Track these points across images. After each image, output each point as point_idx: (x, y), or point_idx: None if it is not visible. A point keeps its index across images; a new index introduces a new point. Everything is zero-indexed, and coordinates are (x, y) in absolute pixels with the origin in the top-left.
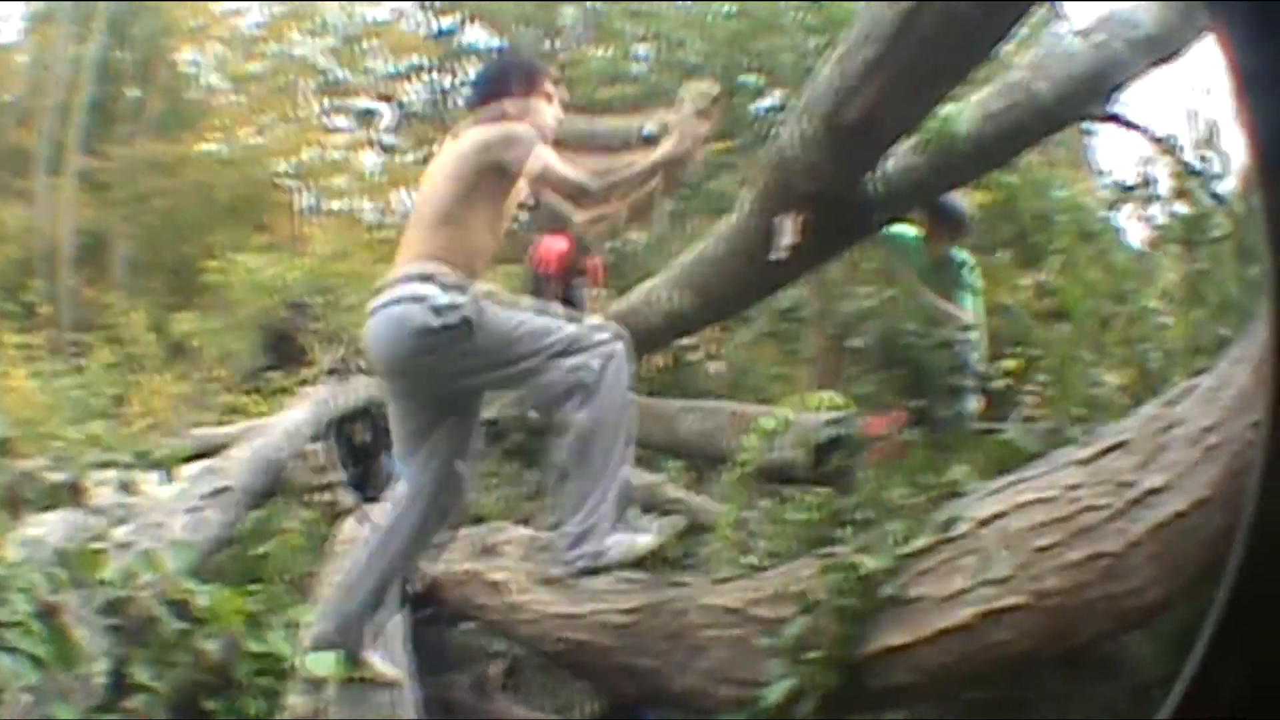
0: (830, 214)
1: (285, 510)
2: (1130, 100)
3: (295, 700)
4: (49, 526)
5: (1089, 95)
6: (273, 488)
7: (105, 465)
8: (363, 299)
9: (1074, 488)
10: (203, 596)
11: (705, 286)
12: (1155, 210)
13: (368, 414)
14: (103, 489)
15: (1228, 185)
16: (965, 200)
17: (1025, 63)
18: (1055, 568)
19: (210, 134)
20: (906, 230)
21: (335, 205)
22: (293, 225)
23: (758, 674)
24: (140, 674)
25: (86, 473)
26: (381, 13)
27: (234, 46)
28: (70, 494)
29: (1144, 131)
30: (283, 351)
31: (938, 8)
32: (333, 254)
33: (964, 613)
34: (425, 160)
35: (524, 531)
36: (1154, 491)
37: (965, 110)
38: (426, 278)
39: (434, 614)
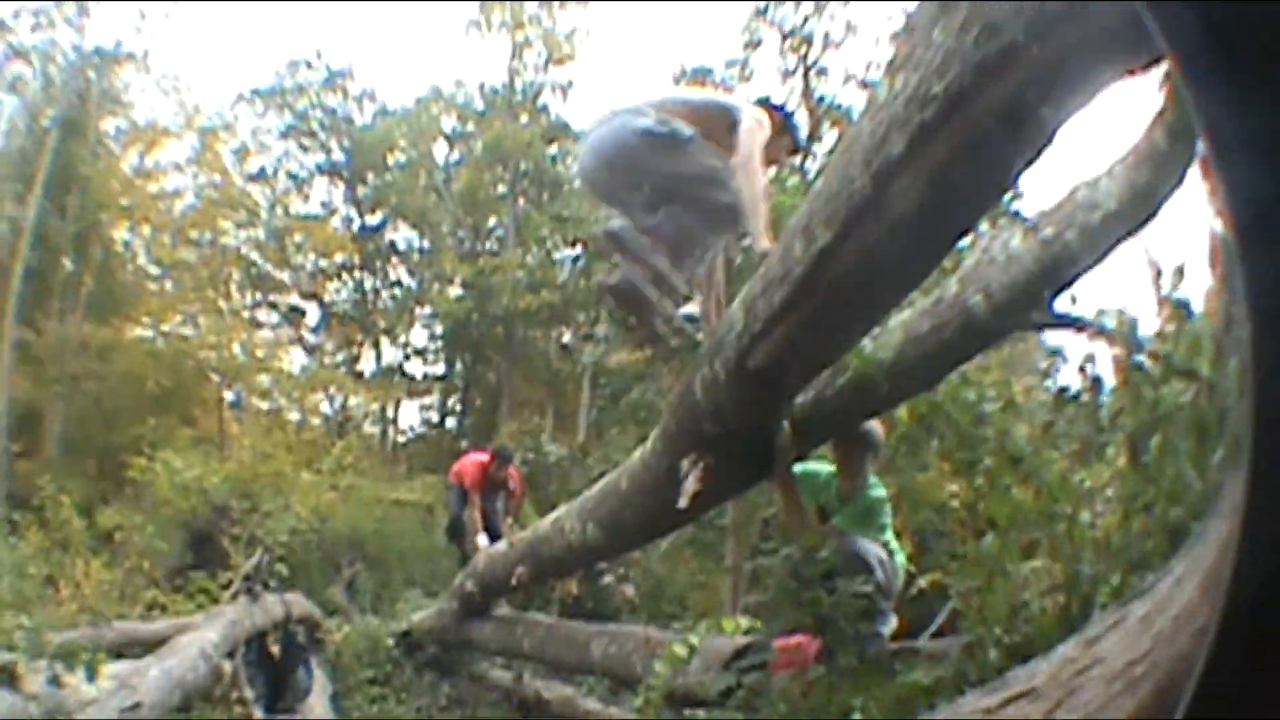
0: (737, 455)
1: None
2: (1077, 293)
3: None
4: None
5: (1031, 301)
6: (186, 704)
7: (35, 654)
8: (284, 504)
9: None
10: None
11: (612, 520)
12: (1097, 412)
13: (282, 630)
14: (35, 676)
15: (1190, 355)
16: (874, 422)
17: (960, 274)
18: None
19: (140, 319)
20: (817, 467)
21: (260, 403)
22: (219, 420)
23: None
24: None
25: (21, 659)
26: (311, 206)
27: (165, 230)
28: (6, 678)
29: (1089, 327)
30: (205, 552)
31: (852, 251)
32: (257, 456)
33: None
34: (351, 362)
35: None
36: None
37: (886, 337)
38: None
39: None
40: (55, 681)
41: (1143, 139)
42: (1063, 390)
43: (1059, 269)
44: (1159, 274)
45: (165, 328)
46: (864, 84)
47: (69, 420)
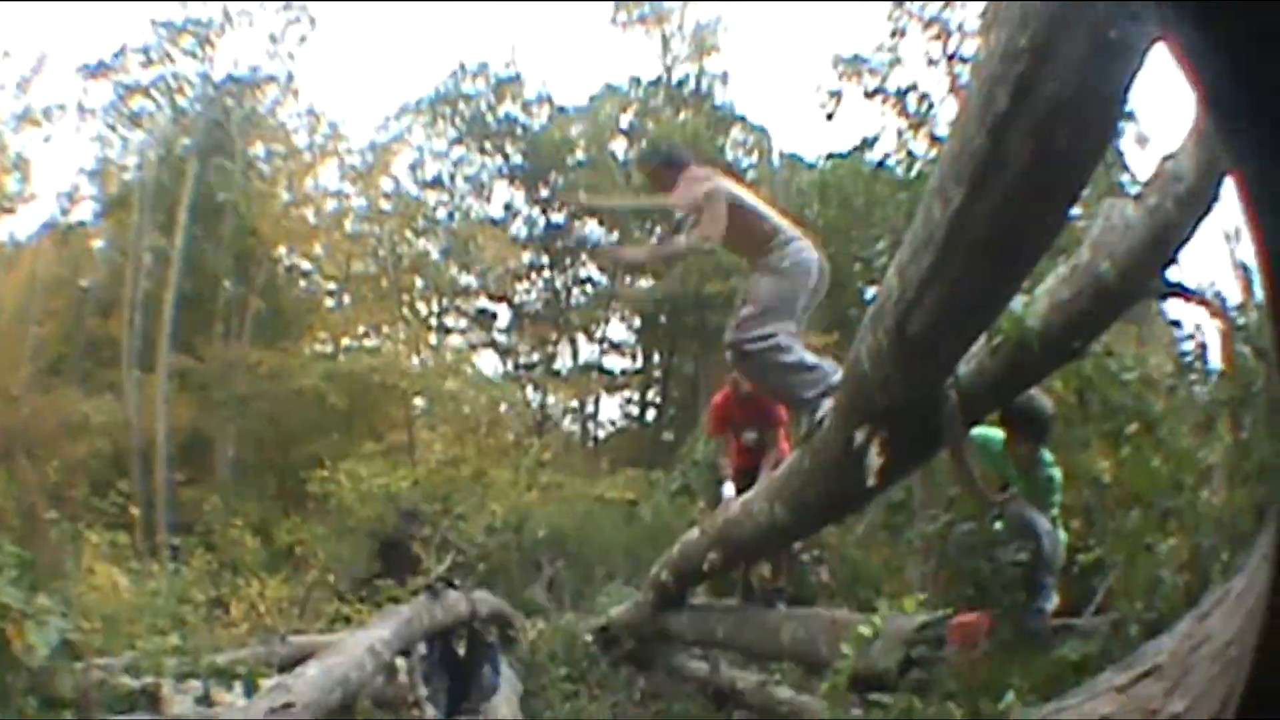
0: (908, 426)
1: None
2: (1184, 264)
3: None
4: None
5: (1148, 269)
6: (347, 705)
7: (188, 675)
8: (480, 505)
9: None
10: None
11: (798, 500)
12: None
13: (468, 628)
14: (182, 698)
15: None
16: (1045, 399)
17: (1087, 242)
18: None
19: (317, 336)
20: (991, 433)
21: (451, 408)
22: (408, 430)
23: None
24: None
25: (167, 681)
26: (494, 210)
27: (338, 248)
28: (148, 701)
29: (1197, 296)
30: (393, 560)
31: (984, 209)
32: (448, 460)
33: None
34: (546, 360)
35: None
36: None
37: (1033, 304)
38: None
39: None
40: (205, 700)
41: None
42: (1183, 358)
43: (1166, 237)
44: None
45: (345, 342)
46: None
47: (242, 443)
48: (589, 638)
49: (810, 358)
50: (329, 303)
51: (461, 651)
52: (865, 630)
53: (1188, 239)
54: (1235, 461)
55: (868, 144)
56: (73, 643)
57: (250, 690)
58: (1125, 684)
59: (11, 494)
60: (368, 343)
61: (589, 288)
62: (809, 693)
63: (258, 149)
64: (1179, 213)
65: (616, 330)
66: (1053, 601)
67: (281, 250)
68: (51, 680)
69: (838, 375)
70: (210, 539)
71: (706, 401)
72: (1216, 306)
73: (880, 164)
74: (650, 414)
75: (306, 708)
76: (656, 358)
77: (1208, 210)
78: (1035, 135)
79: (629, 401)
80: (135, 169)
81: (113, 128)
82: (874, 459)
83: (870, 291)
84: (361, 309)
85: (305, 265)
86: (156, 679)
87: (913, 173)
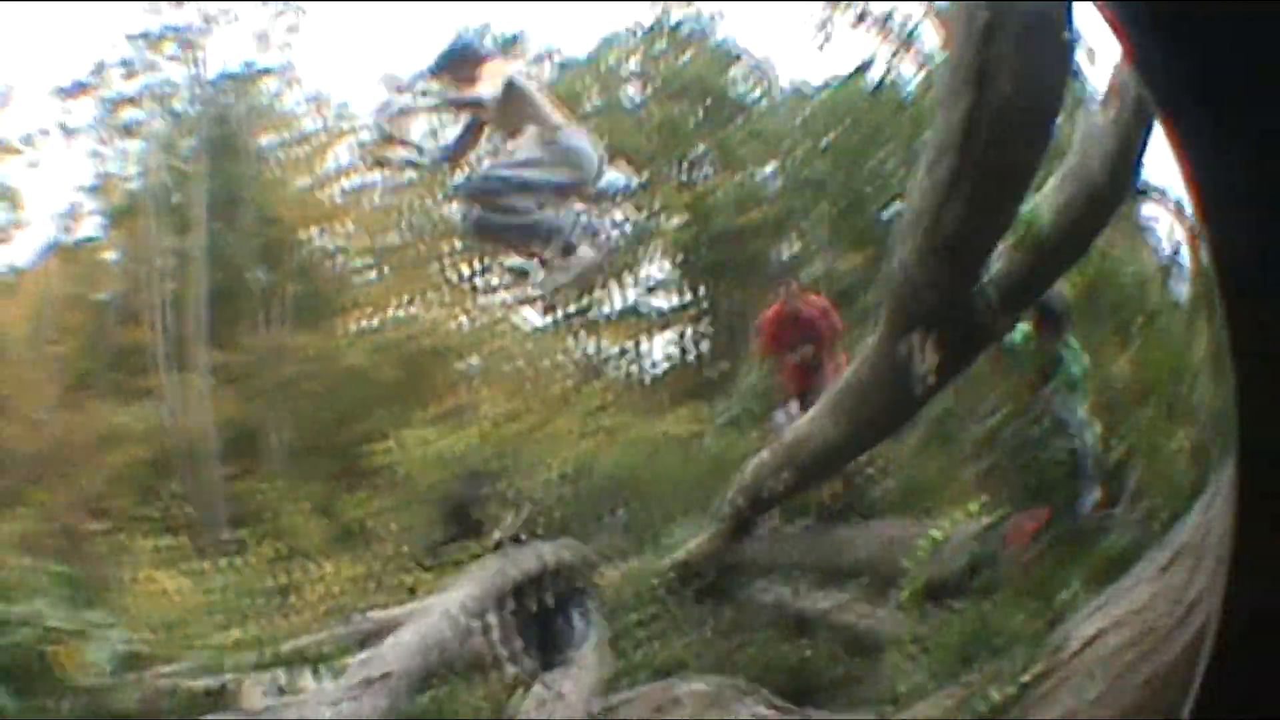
0: (952, 327)
1: (459, 689)
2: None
3: None
4: None
5: (1126, 170)
6: (440, 668)
7: (262, 666)
8: (542, 457)
9: (1147, 606)
10: None
11: (858, 412)
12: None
13: (548, 578)
14: (260, 690)
15: None
16: (1062, 293)
17: (1072, 150)
18: (1132, 686)
19: (359, 312)
20: (1025, 337)
21: (499, 367)
22: (460, 395)
23: None
24: None
25: (240, 677)
26: None
27: (363, 223)
28: (219, 699)
29: (1167, 198)
30: (463, 522)
31: (986, 113)
32: (505, 416)
33: None
34: (584, 311)
35: (707, 680)
36: (1194, 604)
37: (1040, 206)
38: None
39: None
40: (286, 689)
41: None
42: (1162, 258)
43: (1131, 143)
44: None
45: (388, 315)
46: None
47: (295, 427)
48: (666, 576)
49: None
50: (364, 278)
51: (547, 603)
52: (935, 535)
53: (1146, 144)
54: (1216, 357)
55: (863, 69)
56: (133, 654)
57: (331, 671)
58: (1160, 570)
59: (47, 516)
60: (409, 312)
61: (626, 229)
62: (883, 609)
63: (266, 139)
64: (1137, 120)
65: (656, 270)
66: (1095, 495)
67: (308, 234)
68: (111, 696)
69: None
70: (271, 527)
71: (754, 331)
72: (1179, 210)
73: (878, 86)
74: (700, 348)
75: (401, 676)
76: (701, 291)
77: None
78: (1015, 52)
79: (681, 338)
80: (137, 177)
81: (105, 141)
82: (923, 362)
83: (887, 211)
84: (398, 280)
85: (334, 245)
86: (233, 675)
87: (908, 92)
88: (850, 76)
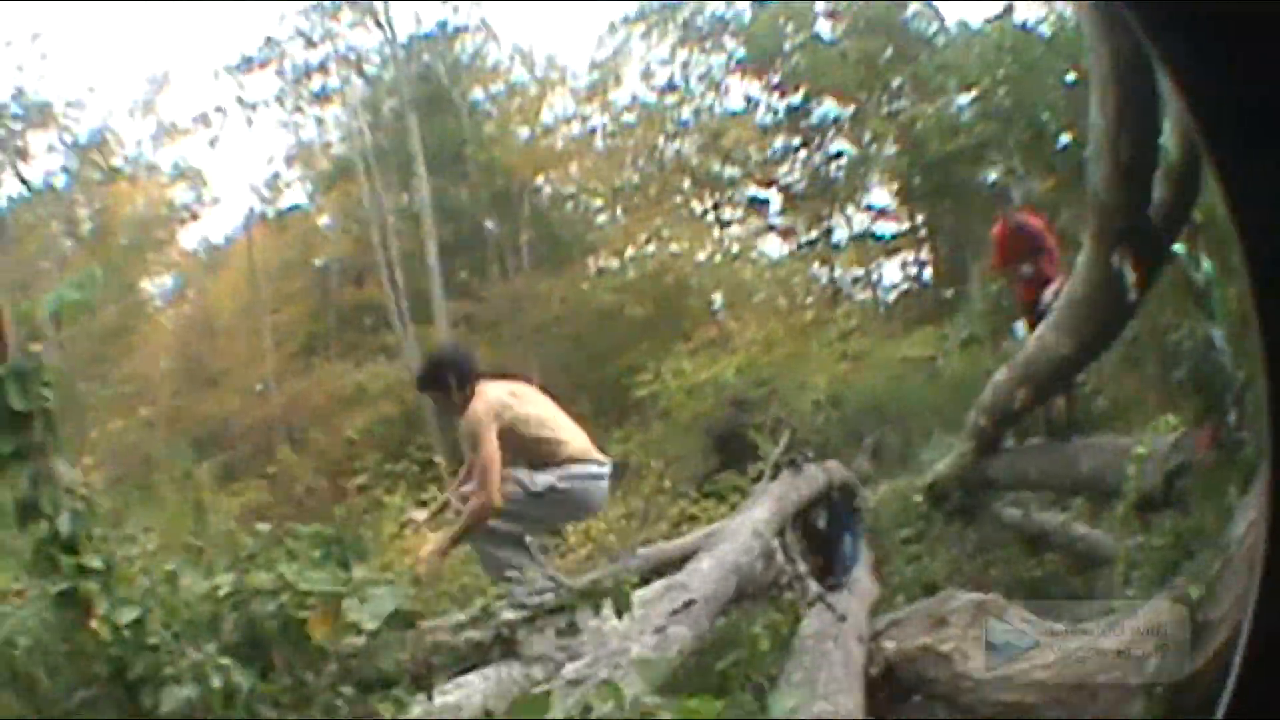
0: (1142, 245)
1: (748, 613)
2: None
3: None
4: (468, 689)
5: None
6: (741, 592)
7: (546, 612)
8: (800, 383)
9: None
10: (666, 711)
11: (1080, 327)
12: None
13: (825, 500)
14: (540, 636)
15: None
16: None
17: None
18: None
19: (598, 255)
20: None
21: (745, 298)
22: (711, 327)
23: (1130, 712)
24: None
25: (515, 620)
26: (735, 103)
27: (593, 167)
28: (500, 648)
29: None
30: (730, 451)
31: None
32: (763, 343)
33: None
34: (824, 236)
35: (970, 597)
36: None
37: (1168, 139)
38: None
39: (886, 696)
40: (570, 630)
41: None
42: None
43: None
44: None
45: (630, 254)
46: None
47: (546, 372)
48: (919, 497)
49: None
50: (602, 220)
51: (826, 525)
52: (1140, 451)
53: None
54: None
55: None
56: (399, 611)
57: (623, 607)
58: None
59: (286, 482)
60: (650, 249)
61: (843, 160)
62: (1102, 524)
63: (476, 94)
64: None
65: (880, 196)
66: (1234, 414)
67: (538, 182)
68: (375, 656)
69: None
70: None
71: (973, 255)
72: None
73: (1023, 26)
74: (925, 273)
75: (706, 601)
76: (921, 218)
77: None
78: None
79: (905, 264)
80: (341, 142)
81: (298, 110)
82: (1130, 274)
83: (1062, 138)
84: (636, 219)
85: (566, 191)
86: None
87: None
88: (998, 18)
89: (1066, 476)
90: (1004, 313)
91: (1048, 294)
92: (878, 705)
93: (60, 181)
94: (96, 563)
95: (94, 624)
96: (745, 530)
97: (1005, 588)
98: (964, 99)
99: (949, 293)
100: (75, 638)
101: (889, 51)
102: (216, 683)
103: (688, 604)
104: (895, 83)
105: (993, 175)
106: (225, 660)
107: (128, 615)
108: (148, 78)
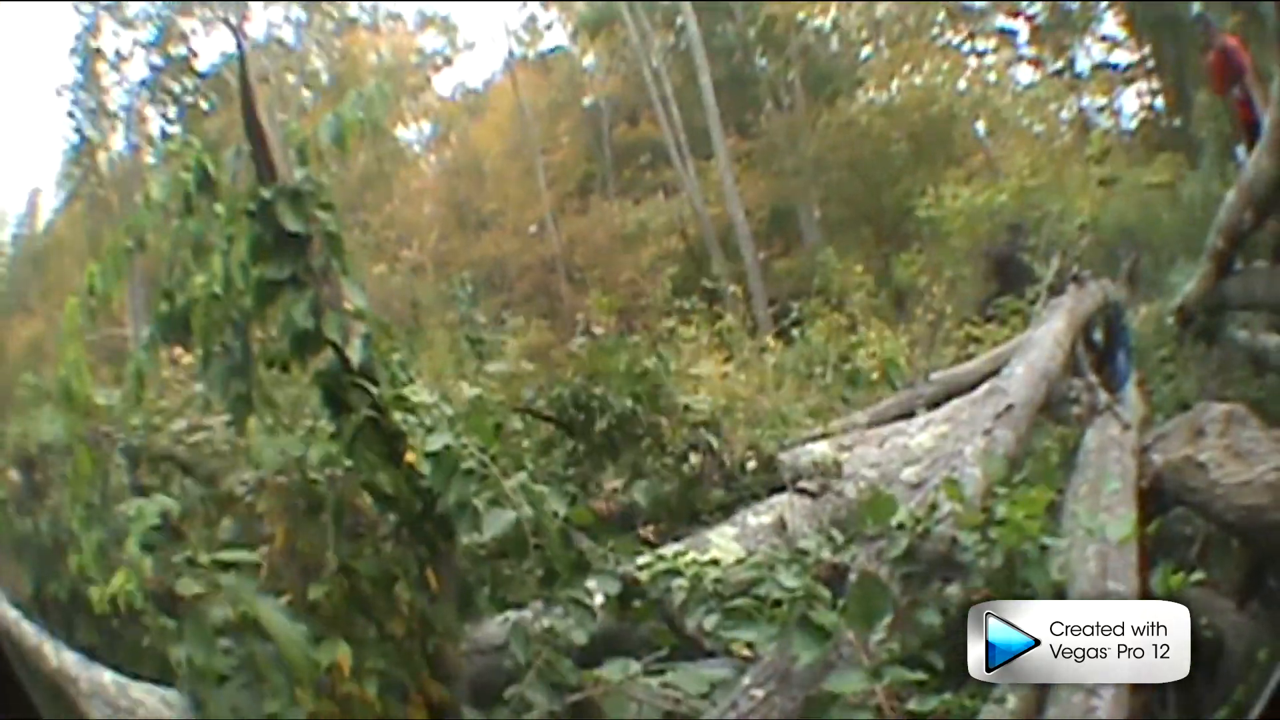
0: None
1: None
2: None
3: None
4: (773, 513)
5: None
6: (1048, 398)
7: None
8: (1067, 208)
9: None
10: (1001, 507)
11: None
12: None
13: (1102, 315)
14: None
15: None
16: None
17: None
18: None
19: (868, 85)
20: None
21: (1006, 125)
22: (982, 152)
23: None
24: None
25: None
26: None
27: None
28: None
29: None
30: (1008, 275)
31: None
32: (1030, 168)
33: None
34: (1069, 66)
35: (1221, 408)
36: None
37: None
38: None
39: (1155, 508)
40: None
41: None
42: None
43: None
44: None
45: (893, 85)
46: None
47: (826, 203)
48: (1170, 319)
49: None
50: (865, 51)
51: (1098, 338)
52: None
53: None
54: None
55: None
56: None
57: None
58: None
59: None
60: (915, 80)
61: None
62: None
63: None
64: None
65: (1110, 26)
66: None
67: (802, 16)
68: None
69: None
70: (821, 301)
71: (1193, 85)
72: None
73: None
74: (1159, 102)
75: (1022, 405)
76: (1148, 49)
77: None
78: None
79: (1142, 93)
80: None
81: None
82: None
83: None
84: (897, 51)
85: (827, 25)
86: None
87: None
88: None
89: None
90: (1228, 138)
91: (1257, 111)
92: (1147, 518)
93: (288, 34)
94: (407, 391)
95: (409, 456)
96: (1049, 340)
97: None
98: None
99: (1177, 120)
100: (382, 472)
101: None
102: (529, 511)
103: (1009, 408)
104: None
105: (1196, 6)
106: (541, 487)
107: (437, 442)
108: None
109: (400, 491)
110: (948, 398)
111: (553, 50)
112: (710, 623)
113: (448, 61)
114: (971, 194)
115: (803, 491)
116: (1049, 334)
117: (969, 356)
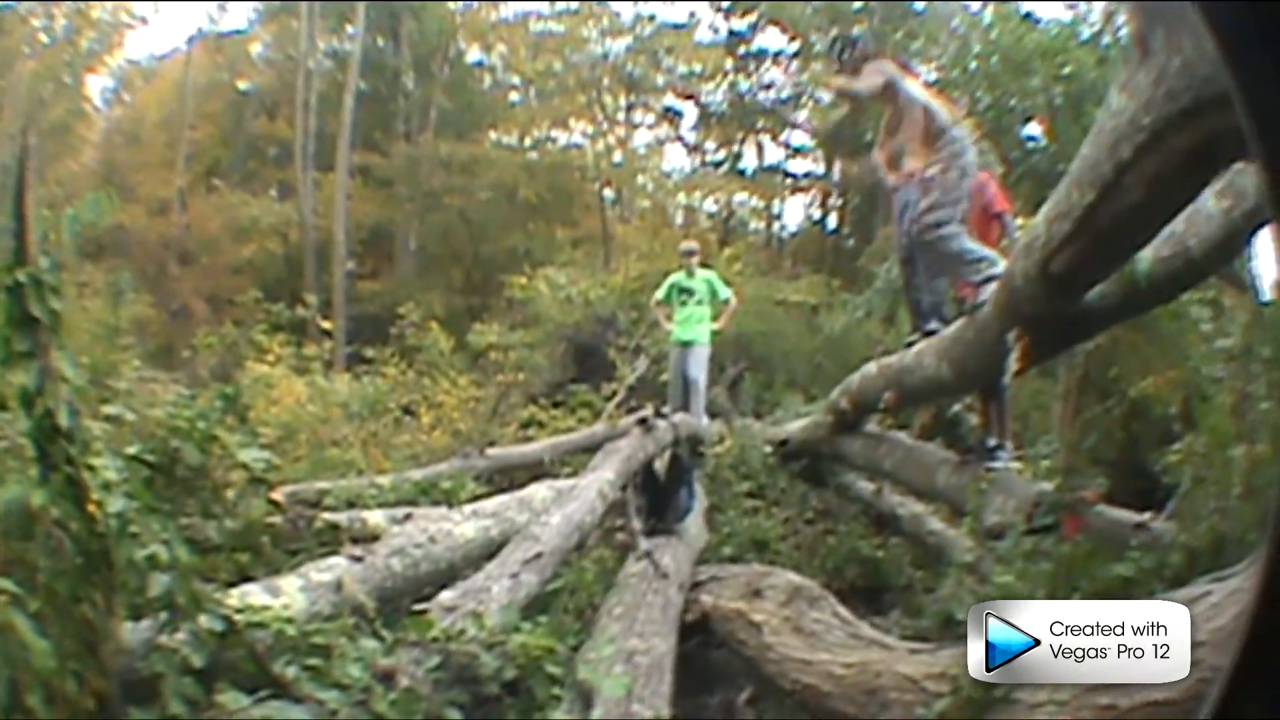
0: (1045, 330)
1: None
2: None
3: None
4: (335, 571)
5: (1226, 252)
6: (581, 543)
7: (389, 503)
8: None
9: None
10: (518, 637)
11: (960, 363)
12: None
13: (670, 452)
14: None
15: None
16: None
17: (1182, 218)
18: None
19: (506, 131)
20: None
21: (643, 203)
22: (602, 221)
23: None
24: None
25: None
26: (678, 15)
27: (523, 46)
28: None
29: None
30: (588, 365)
31: (1105, 211)
32: (642, 258)
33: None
34: (732, 160)
35: (789, 577)
36: None
37: (1142, 260)
38: None
39: (701, 642)
40: (405, 520)
41: None
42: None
43: (1236, 236)
44: None
45: (535, 135)
46: None
47: (428, 236)
48: (768, 448)
49: (976, 248)
50: (513, 97)
51: (661, 474)
52: (982, 487)
53: (1251, 237)
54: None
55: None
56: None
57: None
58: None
59: (167, 298)
60: (558, 135)
61: (771, 92)
62: (955, 530)
63: None
64: (1244, 220)
65: (800, 136)
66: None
67: (465, 48)
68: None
69: (999, 266)
70: (405, 345)
71: (884, 213)
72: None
73: (1027, 16)
74: (831, 220)
75: (552, 553)
76: (838, 167)
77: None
78: (1150, 183)
79: (812, 205)
80: None
81: None
82: (1013, 360)
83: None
84: (548, 106)
85: (488, 62)
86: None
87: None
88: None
89: (921, 482)
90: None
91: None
92: (689, 647)
93: None
94: (99, 460)
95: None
96: (593, 491)
97: (840, 560)
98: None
99: (850, 242)
100: (74, 521)
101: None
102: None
103: (537, 555)
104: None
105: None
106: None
107: (114, 505)
108: None
109: (84, 539)
110: (501, 472)
111: (233, 31)
112: (291, 673)
113: (143, 21)
114: (570, 280)
115: (354, 558)
116: (594, 485)
117: (528, 439)
